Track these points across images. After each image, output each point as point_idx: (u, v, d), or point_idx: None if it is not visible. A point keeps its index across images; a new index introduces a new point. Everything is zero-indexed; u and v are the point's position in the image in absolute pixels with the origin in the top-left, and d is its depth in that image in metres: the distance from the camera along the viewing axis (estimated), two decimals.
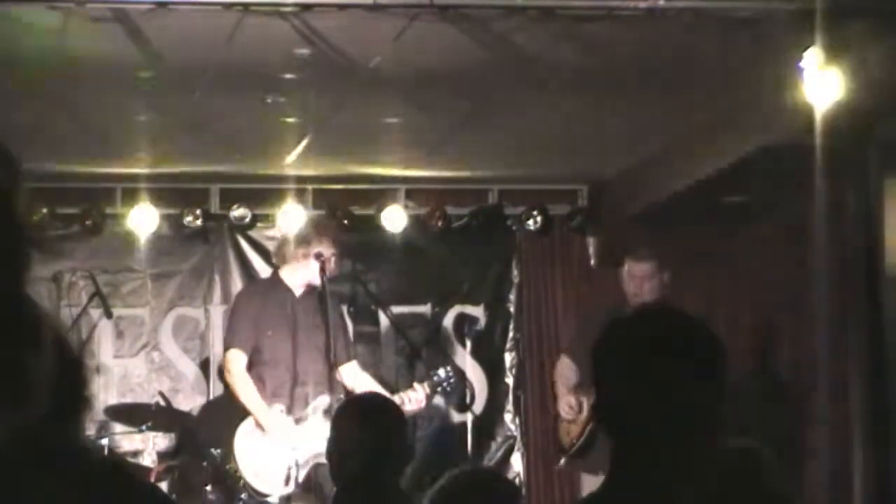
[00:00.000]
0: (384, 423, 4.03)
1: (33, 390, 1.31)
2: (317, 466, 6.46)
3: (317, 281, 6.61)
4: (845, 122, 5.89)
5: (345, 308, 7.19)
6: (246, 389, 6.60)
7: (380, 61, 6.25)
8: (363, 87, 6.76)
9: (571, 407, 7.06)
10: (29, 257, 1.31)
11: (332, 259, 6.69)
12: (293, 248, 6.75)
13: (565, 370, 7.42)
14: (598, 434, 7.06)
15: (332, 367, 6.57)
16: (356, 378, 6.78)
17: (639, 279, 7.04)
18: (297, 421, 6.55)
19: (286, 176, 9.05)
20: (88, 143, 7.96)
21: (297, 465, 6.52)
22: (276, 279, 6.82)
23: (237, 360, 6.64)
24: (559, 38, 6.02)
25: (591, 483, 6.95)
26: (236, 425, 6.67)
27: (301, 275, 6.71)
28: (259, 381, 6.61)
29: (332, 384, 6.56)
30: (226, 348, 6.83)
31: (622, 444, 2.15)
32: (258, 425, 6.55)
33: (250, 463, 6.60)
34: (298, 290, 6.67)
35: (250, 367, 6.63)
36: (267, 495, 6.60)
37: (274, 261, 7.22)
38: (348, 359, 6.82)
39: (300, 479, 6.52)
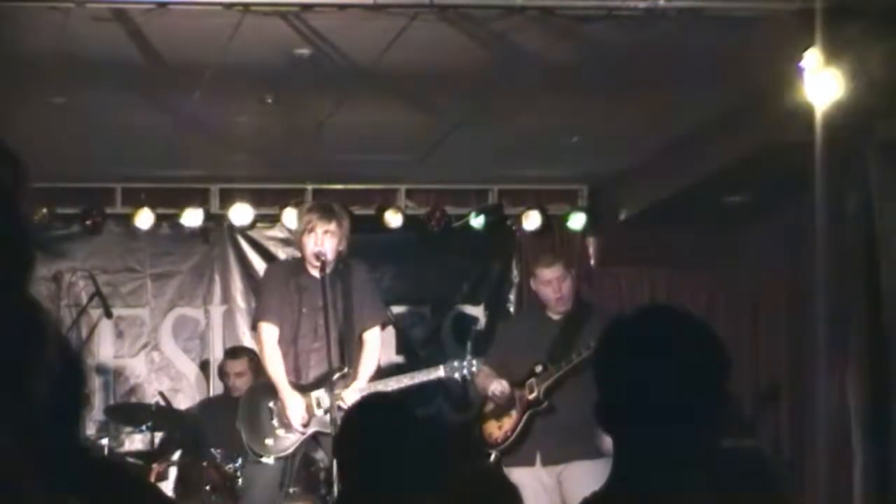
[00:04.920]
0: (391, 422, 4.02)
1: (34, 390, 1.31)
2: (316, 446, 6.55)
3: (326, 255, 6.57)
4: (845, 122, 5.89)
5: (368, 275, 7.15)
6: (274, 362, 6.63)
7: (380, 61, 6.25)
8: (363, 87, 6.77)
9: (504, 392, 7.09)
10: (32, 257, 1.31)
11: (336, 244, 6.65)
12: (304, 236, 6.72)
13: (482, 377, 7.48)
14: (531, 427, 7.09)
15: (342, 353, 6.60)
16: (373, 343, 6.79)
17: (556, 282, 7.14)
18: (309, 390, 6.59)
19: (286, 176, 9.06)
20: (89, 143, 7.96)
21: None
22: (300, 261, 6.84)
23: (269, 332, 6.68)
24: (559, 38, 6.02)
25: (519, 475, 6.94)
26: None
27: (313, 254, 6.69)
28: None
29: (345, 367, 6.59)
30: (257, 321, 6.85)
31: (623, 444, 2.15)
32: (279, 401, 6.60)
33: (248, 420, 6.69)
34: (319, 274, 6.66)
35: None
36: (260, 456, 6.65)
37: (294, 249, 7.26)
38: (373, 324, 6.82)
39: (291, 446, 6.59)
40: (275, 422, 6.58)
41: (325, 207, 6.88)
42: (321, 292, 6.50)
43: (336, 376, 6.45)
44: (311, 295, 6.63)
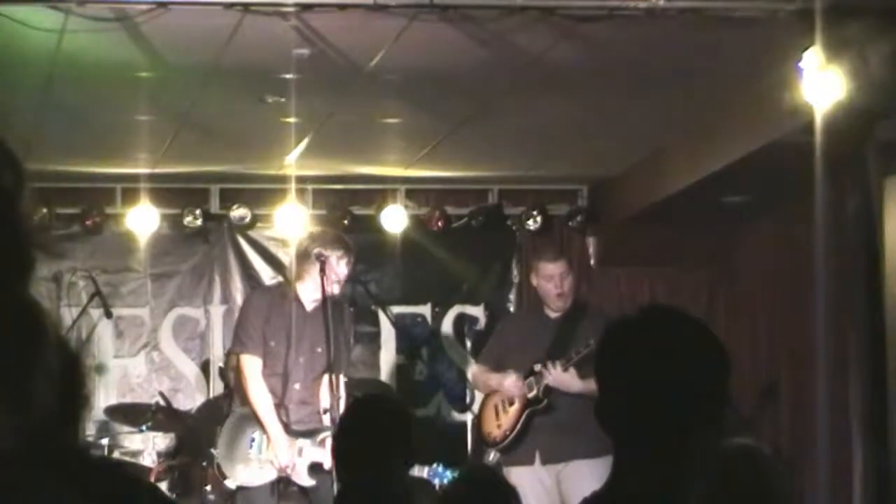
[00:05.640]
0: (390, 423, 4.03)
1: (34, 391, 1.31)
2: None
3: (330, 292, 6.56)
4: (845, 122, 5.89)
5: (350, 322, 7.14)
6: (261, 397, 6.57)
7: (380, 61, 6.25)
8: (363, 87, 6.77)
9: (519, 387, 7.10)
10: (32, 258, 1.31)
11: (342, 263, 6.63)
12: (306, 262, 6.69)
13: (479, 373, 7.52)
14: (530, 426, 7.10)
15: (334, 383, 6.56)
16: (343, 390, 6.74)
17: (558, 277, 7.16)
18: (295, 435, 6.56)
19: (286, 176, 9.06)
20: (88, 143, 7.96)
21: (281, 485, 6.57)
22: (287, 290, 6.78)
23: (253, 366, 6.61)
24: (559, 38, 6.02)
25: (519, 474, 6.94)
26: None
27: (313, 289, 6.64)
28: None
29: (333, 400, 6.56)
30: (238, 352, 6.78)
31: (624, 444, 2.15)
32: (265, 434, 6.55)
33: (227, 441, 6.67)
34: (310, 305, 6.63)
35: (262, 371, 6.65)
36: (226, 478, 6.65)
37: (287, 274, 7.17)
38: (343, 372, 6.77)
39: (263, 478, 6.56)
40: (252, 452, 6.55)
41: (335, 234, 6.95)
42: (311, 323, 6.48)
43: (323, 435, 6.40)
44: (299, 326, 6.59)
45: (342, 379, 6.65)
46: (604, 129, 7.76)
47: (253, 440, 6.57)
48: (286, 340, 6.58)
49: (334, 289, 6.56)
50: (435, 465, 6.78)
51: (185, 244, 9.37)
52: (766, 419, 8.48)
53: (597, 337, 2.31)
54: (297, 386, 6.55)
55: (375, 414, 4.12)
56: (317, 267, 6.51)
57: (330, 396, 6.41)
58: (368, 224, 9.26)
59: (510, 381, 7.13)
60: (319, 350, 6.50)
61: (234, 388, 7.18)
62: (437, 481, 6.76)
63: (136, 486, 1.60)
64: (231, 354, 8.54)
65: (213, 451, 7.30)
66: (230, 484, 6.59)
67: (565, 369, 6.97)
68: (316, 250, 6.57)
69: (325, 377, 6.56)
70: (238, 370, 6.83)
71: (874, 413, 6.87)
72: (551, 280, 7.20)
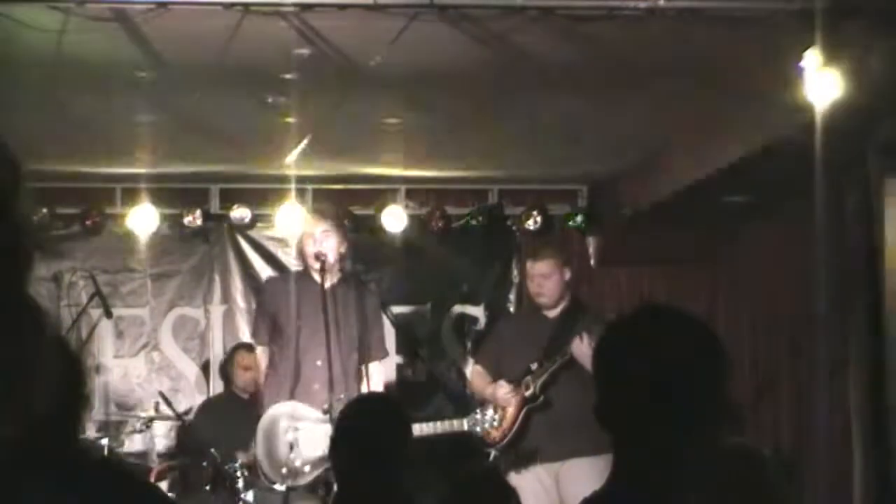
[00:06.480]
0: (386, 423, 4.03)
1: (34, 391, 1.31)
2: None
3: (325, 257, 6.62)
4: (845, 122, 5.89)
5: (379, 303, 7.21)
6: (270, 386, 6.72)
7: (380, 61, 6.25)
8: (363, 87, 6.76)
9: (507, 393, 7.12)
10: (31, 257, 1.31)
11: (336, 244, 6.67)
12: (300, 241, 6.80)
13: (476, 376, 7.54)
14: (528, 425, 7.10)
15: (360, 364, 6.60)
16: (375, 378, 6.77)
17: (539, 278, 7.15)
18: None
19: (286, 176, 9.06)
20: (88, 143, 7.96)
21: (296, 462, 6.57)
22: (301, 272, 6.88)
23: (262, 358, 6.77)
24: (559, 38, 6.02)
25: (518, 474, 6.93)
26: (254, 419, 6.78)
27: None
28: (278, 375, 6.67)
29: (347, 382, 6.57)
30: (255, 344, 6.95)
31: (623, 443, 2.15)
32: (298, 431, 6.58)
33: (265, 448, 6.68)
34: (326, 283, 6.67)
35: (271, 360, 6.70)
36: (274, 483, 6.65)
37: (296, 261, 7.30)
38: (377, 357, 6.82)
39: (308, 476, 6.56)
40: (293, 452, 6.57)
41: (319, 210, 6.91)
42: (325, 303, 6.48)
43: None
44: (315, 305, 6.60)
45: (377, 366, 6.71)
46: (603, 129, 7.76)
47: (289, 440, 6.58)
48: (300, 318, 6.65)
49: (331, 258, 6.60)
50: (474, 414, 6.90)
51: (185, 244, 9.39)
52: (765, 418, 8.48)
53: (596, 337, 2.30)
54: (319, 363, 6.56)
55: (372, 414, 4.13)
56: (311, 242, 6.60)
57: (346, 378, 6.47)
58: (368, 224, 9.27)
59: (503, 392, 7.13)
60: (341, 327, 6.56)
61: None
62: (478, 429, 6.87)
63: (136, 485, 1.60)
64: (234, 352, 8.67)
65: (212, 451, 7.32)
66: (279, 488, 6.61)
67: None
68: (315, 250, 6.59)
69: (370, 365, 6.67)
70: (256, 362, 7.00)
71: (874, 413, 6.87)
72: (533, 280, 7.23)
